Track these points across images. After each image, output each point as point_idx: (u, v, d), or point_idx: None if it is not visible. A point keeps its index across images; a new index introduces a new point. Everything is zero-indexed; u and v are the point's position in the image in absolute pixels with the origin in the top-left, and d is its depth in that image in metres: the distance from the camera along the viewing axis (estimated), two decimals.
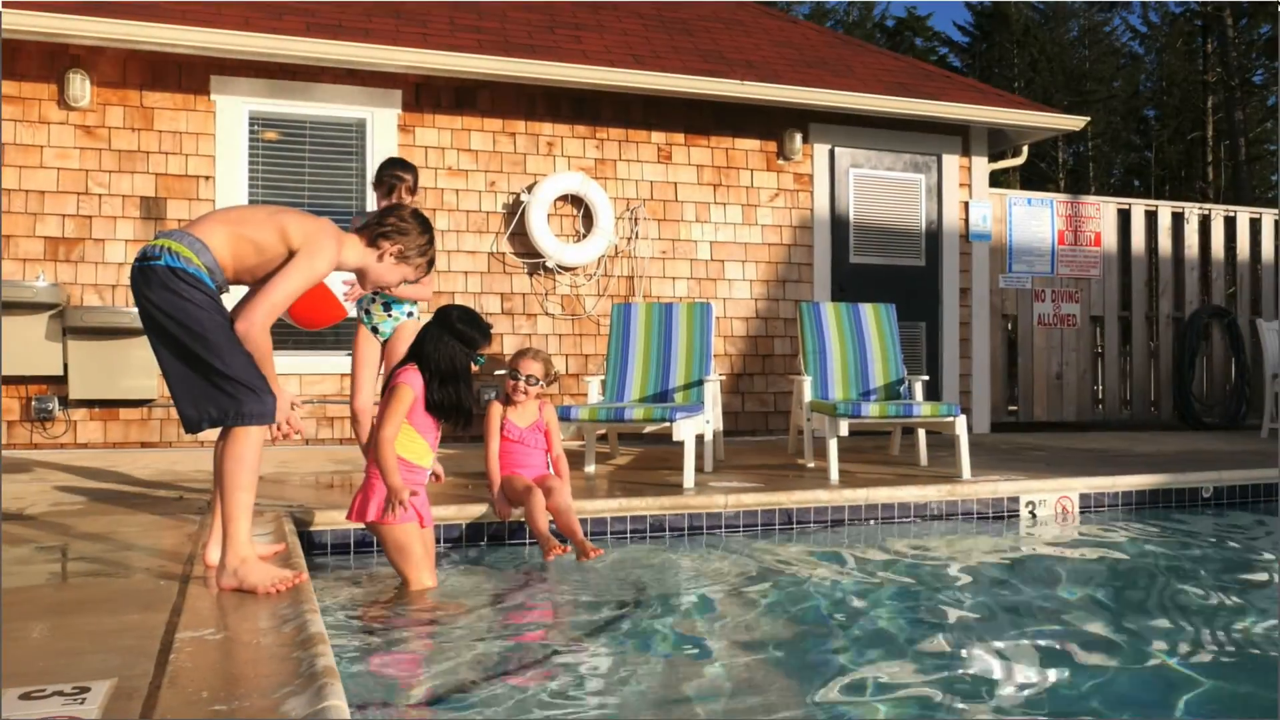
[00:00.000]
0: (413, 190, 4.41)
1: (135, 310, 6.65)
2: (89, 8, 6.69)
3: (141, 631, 2.40)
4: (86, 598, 2.76)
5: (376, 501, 3.56)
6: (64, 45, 6.78)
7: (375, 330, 4.44)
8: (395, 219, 3.17)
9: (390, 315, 4.46)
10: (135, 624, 2.46)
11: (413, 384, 3.59)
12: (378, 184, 4.37)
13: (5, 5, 6.42)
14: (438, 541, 4.01)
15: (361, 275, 3.20)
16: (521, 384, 4.36)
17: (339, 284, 3.38)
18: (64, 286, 6.76)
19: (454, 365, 3.66)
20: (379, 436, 3.54)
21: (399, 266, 3.18)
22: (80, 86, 6.83)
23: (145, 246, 2.90)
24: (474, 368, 3.80)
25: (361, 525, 3.72)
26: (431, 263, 3.30)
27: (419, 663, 2.89)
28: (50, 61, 6.86)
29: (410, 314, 4.49)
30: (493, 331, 7.58)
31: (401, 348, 4.30)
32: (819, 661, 2.94)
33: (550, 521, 4.23)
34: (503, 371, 4.36)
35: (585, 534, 4.40)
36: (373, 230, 3.15)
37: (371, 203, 7.40)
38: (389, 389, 3.65)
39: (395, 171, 4.31)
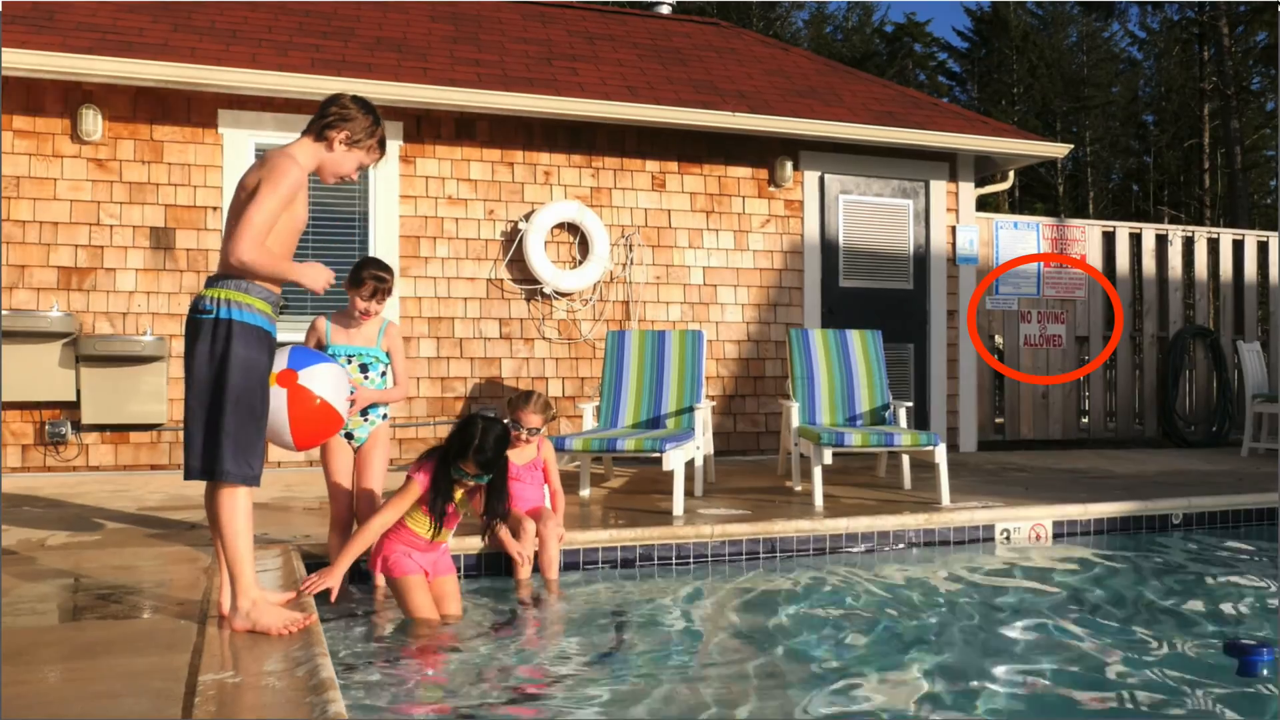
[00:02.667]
0: (389, 292, 4.22)
1: (145, 338, 6.94)
2: (102, 47, 6.94)
3: (167, 673, 2.63)
4: (114, 637, 2.98)
5: (383, 556, 3.79)
6: (77, 83, 7.03)
7: (349, 436, 4.19)
8: (336, 108, 3.24)
9: (366, 420, 4.19)
10: (160, 666, 2.69)
11: (422, 483, 3.71)
12: (358, 283, 4.14)
13: (23, 45, 6.66)
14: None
15: (320, 171, 3.26)
16: (524, 435, 4.57)
17: (343, 402, 3.41)
18: (77, 315, 6.99)
19: (449, 480, 3.69)
20: (373, 518, 3.71)
21: (352, 153, 3.27)
22: (92, 121, 7.07)
23: (197, 298, 3.08)
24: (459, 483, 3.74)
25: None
26: (383, 142, 3.33)
27: (422, 697, 3.12)
28: (64, 98, 7.10)
29: (384, 416, 4.26)
30: (491, 355, 7.77)
31: (375, 453, 4.18)
32: (799, 682, 3.17)
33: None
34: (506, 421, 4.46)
35: (579, 564, 4.66)
36: (317, 125, 3.23)
37: (372, 238, 7.63)
38: (406, 479, 3.77)
39: (377, 272, 4.13)
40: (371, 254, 7.60)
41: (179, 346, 7.27)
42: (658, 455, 5.49)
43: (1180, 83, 32.27)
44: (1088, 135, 33.31)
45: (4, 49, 6.57)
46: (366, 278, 4.10)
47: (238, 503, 3.05)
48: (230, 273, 3.06)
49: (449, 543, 3.98)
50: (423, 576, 3.81)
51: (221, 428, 3.00)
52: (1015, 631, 3.91)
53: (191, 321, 3.08)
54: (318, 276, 3.19)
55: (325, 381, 3.31)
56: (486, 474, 3.66)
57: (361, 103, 3.31)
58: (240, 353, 3.01)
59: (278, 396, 3.21)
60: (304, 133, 3.28)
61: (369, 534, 3.70)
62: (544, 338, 8.11)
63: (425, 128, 7.83)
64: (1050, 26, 35.31)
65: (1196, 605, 4.32)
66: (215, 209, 7.38)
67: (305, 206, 3.19)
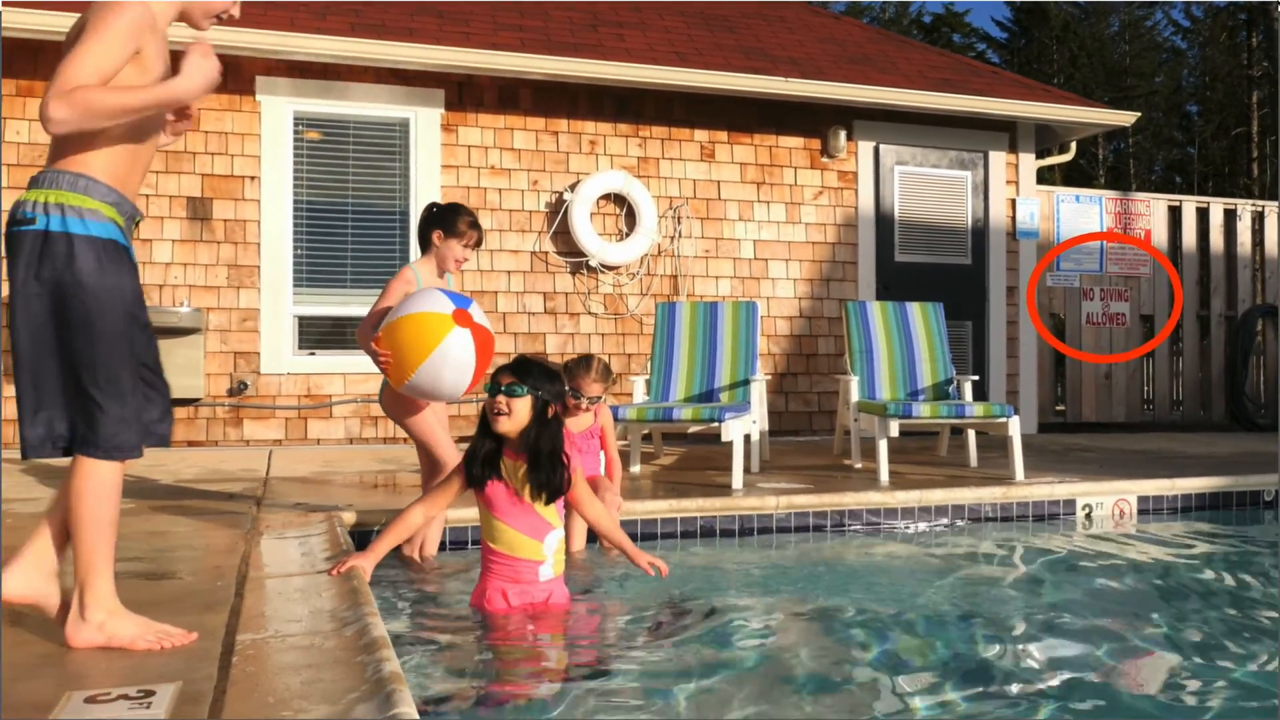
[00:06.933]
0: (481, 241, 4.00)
1: (182, 309, 6.75)
2: None
3: (202, 633, 2.37)
4: (146, 599, 2.73)
5: (486, 591, 3.20)
6: None
7: None
8: None
9: None
10: (195, 625, 2.42)
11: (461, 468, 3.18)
12: (459, 233, 3.82)
13: (58, 9, 6.47)
14: None
15: (189, 16, 2.43)
16: (584, 404, 4.26)
17: None
18: None
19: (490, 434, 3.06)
20: (413, 506, 3.24)
21: None
22: None
23: (16, 204, 2.24)
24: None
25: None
26: None
27: (475, 666, 2.85)
28: None
29: None
30: (535, 330, 7.52)
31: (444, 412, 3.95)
32: (881, 657, 2.88)
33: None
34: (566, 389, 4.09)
35: (637, 535, 4.36)
36: None
37: (413, 209, 7.40)
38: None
39: (476, 220, 3.89)
40: (414, 225, 7.38)
41: (216, 319, 7.07)
42: (716, 426, 5.20)
43: (1226, 70, 31.53)
44: (1130, 126, 32.62)
45: (41, 12, 6.38)
46: (468, 227, 3.83)
47: (104, 481, 2.26)
48: (62, 165, 2.22)
49: (558, 574, 3.23)
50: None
51: (78, 382, 2.22)
52: (1119, 614, 3.59)
53: (10, 237, 2.20)
54: (196, 75, 2.25)
55: (481, 312, 2.96)
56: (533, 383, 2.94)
57: None
58: (90, 276, 2.20)
59: (460, 340, 2.83)
60: None
61: (410, 521, 3.21)
62: (589, 312, 7.83)
63: (467, 95, 7.58)
64: (1091, 16, 34.61)
65: None
66: (253, 178, 7.17)
67: (163, 65, 2.30)
